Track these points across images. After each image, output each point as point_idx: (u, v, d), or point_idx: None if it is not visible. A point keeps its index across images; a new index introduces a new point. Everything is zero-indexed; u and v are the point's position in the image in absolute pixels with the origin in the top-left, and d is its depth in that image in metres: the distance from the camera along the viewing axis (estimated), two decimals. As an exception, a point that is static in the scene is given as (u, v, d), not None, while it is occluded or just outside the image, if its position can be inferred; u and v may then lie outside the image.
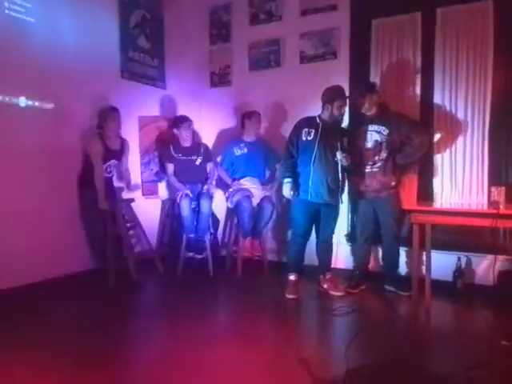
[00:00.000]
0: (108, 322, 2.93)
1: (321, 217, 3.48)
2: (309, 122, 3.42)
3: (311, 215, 3.45)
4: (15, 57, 3.32)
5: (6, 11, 3.30)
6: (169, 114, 4.70)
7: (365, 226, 3.54)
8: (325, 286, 3.54)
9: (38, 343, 2.55)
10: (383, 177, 3.37)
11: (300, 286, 3.50)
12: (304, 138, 3.35)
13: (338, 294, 3.43)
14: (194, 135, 4.33)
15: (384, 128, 3.36)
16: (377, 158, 3.39)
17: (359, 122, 3.56)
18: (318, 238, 3.59)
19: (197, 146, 4.21)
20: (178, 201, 3.92)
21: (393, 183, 3.39)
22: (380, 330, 2.82)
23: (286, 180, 3.37)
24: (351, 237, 3.93)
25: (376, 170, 3.39)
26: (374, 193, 3.41)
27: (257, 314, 3.13)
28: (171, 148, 4.11)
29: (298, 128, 3.43)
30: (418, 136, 3.30)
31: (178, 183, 4.06)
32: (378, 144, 3.37)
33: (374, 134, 3.40)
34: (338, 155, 3.27)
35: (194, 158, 4.11)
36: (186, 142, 4.12)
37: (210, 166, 4.21)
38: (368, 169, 3.42)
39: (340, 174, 3.35)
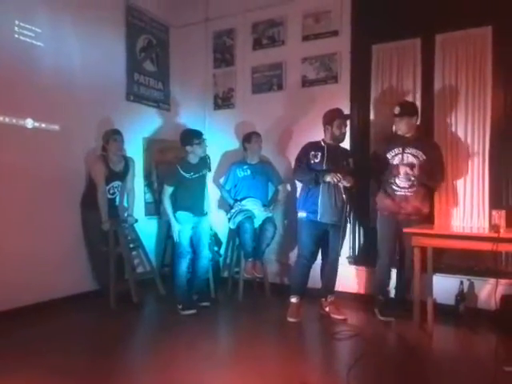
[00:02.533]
0: (107, 345, 2.90)
1: (328, 238, 3.45)
2: (314, 145, 3.49)
3: (318, 237, 3.44)
4: (24, 79, 3.42)
5: (16, 36, 3.40)
6: (173, 135, 4.76)
7: (390, 247, 3.43)
8: (327, 309, 3.50)
9: (35, 366, 2.53)
10: (417, 202, 3.30)
11: (302, 309, 3.46)
12: (312, 161, 3.41)
13: (340, 317, 3.40)
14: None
15: (422, 153, 3.31)
16: (411, 181, 3.32)
17: (390, 142, 3.45)
18: (323, 259, 3.56)
19: (204, 159, 3.76)
20: None
21: (426, 210, 3.34)
22: (382, 355, 2.79)
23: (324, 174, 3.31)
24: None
25: (410, 194, 3.30)
26: (405, 215, 3.31)
27: (258, 337, 3.10)
28: (178, 168, 3.62)
29: (305, 151, 3.49)
30: (438, 173, 3.35)
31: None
32: (413, 167, 3.32)
33: (411, 157, 3.33)
34: (341, 184, 3.30)
35: (203, 172, 3.74)
36: (195, 159, 3.69)
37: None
38: (402, 192, 3.33)
39: (344, 196, 3.36)
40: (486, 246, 2.62)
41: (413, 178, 3.31)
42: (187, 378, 2.39)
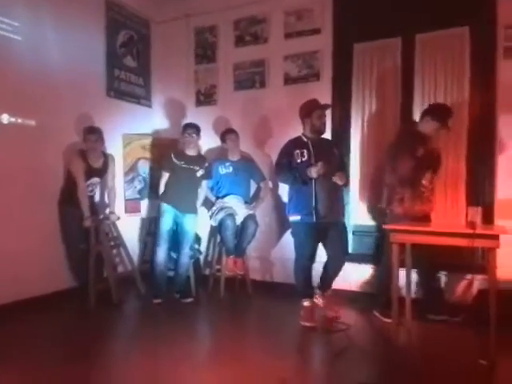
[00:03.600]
0: (85, 346, 2.84)
1: (329, 237, 3.28)
2: (296, 142, 3.34)
3: (317, 236, 3.28)
4: (0, 73, 3.33)
5: (-7, 29, 3.32)
6: (154, 131, 4.73)
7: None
8: (320, 303, 3.36)
9: (7, 367, 2.45)
10: (429, 203, 3.29)
11: (316, 312, 3.28)
12: (299, 161, 3.26)
13: (333, 314, 3.28)
14: (200, 148, 4.23)
15: (437, 156, 3.31)
16: (429, 182, 3.27)
17: (414, 141, 3.25)
18: (328, 256, 3.35)
19: (202, 158, 3.96)
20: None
21: (431, 211, 3.34)
22: (361, 351, 2.82)
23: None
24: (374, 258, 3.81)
25: (427, 194, 3.27)
26: (417, 216, 3.18)
27: (239, 333, 3.11)
28: (172, 155, 3.79)
29: (287, 152, 3.33)
30: None
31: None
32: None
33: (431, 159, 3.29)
34: (334, 178, 3.19)
35: (196, 168, 3.81)
36: (192, 151, 3.85)
37: (204, 184, 3.98)
38: (424, 193, 3.25)
39: (338, 190, 3.29)
40: (463, 242, 2.66)
41: (431, 181, 3.29)
42: (168, 378, 2.37)
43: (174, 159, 3.77)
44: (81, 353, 2.71)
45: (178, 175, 3.77)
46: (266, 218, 4.19)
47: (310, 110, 3.31)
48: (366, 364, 2.64)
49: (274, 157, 4.06)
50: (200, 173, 3.84)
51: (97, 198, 3.96)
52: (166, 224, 3.76)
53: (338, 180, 3.20)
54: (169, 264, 3.94)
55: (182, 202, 3.79)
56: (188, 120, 4.65)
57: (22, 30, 3.49)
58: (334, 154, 3.33)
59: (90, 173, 3.75)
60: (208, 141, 4.54)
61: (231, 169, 4.10)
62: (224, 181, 4.10)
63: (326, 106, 3.41)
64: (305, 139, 3.34)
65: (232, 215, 3.91)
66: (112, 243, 4.00)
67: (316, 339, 3.08)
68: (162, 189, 3.83)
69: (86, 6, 4.07)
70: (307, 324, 3.18)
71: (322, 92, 4.04)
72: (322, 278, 3.43)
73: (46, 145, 3.68)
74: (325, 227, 3.25)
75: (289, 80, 4.25)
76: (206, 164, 3.90)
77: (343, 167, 3.42)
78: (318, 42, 4.11)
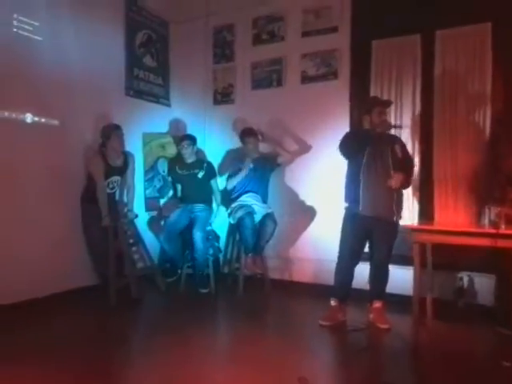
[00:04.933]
0: (106, 342, 2.87)
1: (375, 236, 3.13)
2: (355, 133, 3.29)
3: (362, 235, 3.13)
4: (23, 74, 3.38)
5: (15, 29, 3.38)
6: (173, 130, 4.77)
7: None
8: (370, 315, 3.22)
9: (32, 363, 2.47)
10: None
11: (341, 313, 3.20)
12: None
13: (383, 326, 3.09)
14: (199, 153, 4.40)
15: None
16: None
17: None
18: (371, 260, 3.23)
19: (200, 161, 4.28)
20: None
21: None
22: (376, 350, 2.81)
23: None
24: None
25: None
26: None
27: (258, 333, 3.11)
28: (176, 168, 4.25)
29: (348, 137, 3.23)
30: None
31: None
32: None
33: None
34: (388, 182, 3.00)
35: (196, 171, 4.17)
36: (189, 159, 4.21)
37: (214, 184, 4.27)
38: None
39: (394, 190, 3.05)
40: (486, 242, 2.63)
41: None
42: (187, 377, 2.38)
43: (178, 170, 4.22)
44: (101, 351, 2.72)
45: (184, 182, 4.26)
46: (285, 216, 4.19)
47: (370, 107, 3.17)
48: (390, 364, 2.63)
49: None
50: (201, 174, 4.16)
51: (117, 196, 4.01)
52: (172, 218, 4.07)
53: (392, 183, 2.99)
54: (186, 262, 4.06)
55: (191, 198, 4.18)
56: (207, 118, 4.70)
57: (42, 31, 3.54)
58: (393, 151, 3.11)
59: (111, 171, 3.80)
60: (226, 140, 4.57)
61: (250, 167, 4.10)
62: (245, 181, 4.12)
63: (387, 103, 3.28)
64: (363, 132, 3.18)
65: (251, 213, 3.92)
66: (131, 241, 4.05)
67: (335, 338, 3.08)
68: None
69: (106, 6, 4.12)
70: (324, 323, 3.15)
71: (340, 90, 4.03)
72: (369, 288, 3.30)
73: (67, 144, 3.73)
74: (371, 223, 3.07)
75: (306, 79, 4.24)
76: (205, 164, 4.22)
77: (405, 167, 3.14)
78: (335, 40, 4.09)
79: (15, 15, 3.37)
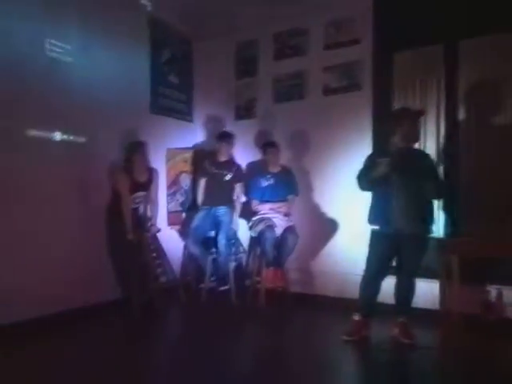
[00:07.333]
0: (128, 358, 2.88)
1: (403, 250, 3.06)
2: (381, 151, 3.18)
3: (390, 252, 3.08)
4: (53, 94, 3.52)
5: (48, 52, 3.54)
6: (195, 145, 4.86)
7: None
8: (395, 330, 3.13)
9: (57, 377, 2.52)
10: None
11: (364, 328, 3.14)
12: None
13: (406, 341, 3.01)
14: (232, 155, 4.46)
15: None
16: None
17: None
18: (398, 274, 3.17)
19: (231, 163, 4.34)
20: None
21: None
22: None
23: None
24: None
25: None
26: None
27: (279, 347, 3.08)
28: (206, 162, 4.31)
29: (370, 159, 3.15)
30: None
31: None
32: None
33: None
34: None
35: (224, 172, 4.22)
36: (223, 157, 4.27)
37: (239, 188, 4.29)
38: None
39: (420, 199, 2.98)
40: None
41: None
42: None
43: (207, 165, 4.27)
44: (126, 364, 2.75)
45: (210, 179, 4.28)
46: (306, 229, 4.16)
47: (401, 118, 3.09)
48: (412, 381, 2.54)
49: (310, 168, 4.17)
50: (228, 176, 4.21)
51: (141, 210, 4.08)
52: (196, 220, 4.12)
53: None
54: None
55: (214, 199, 4.21)
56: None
57: (73, 53, 3.68)
58: (421, 166, 3.02)
59: (136, 187, 3.88)
60: (247, 154, 4.61)
61: (272, 181, 4.13)
62: (265, 192, 4.14)
63: (419, 114, 3.19)
64: (392, 148, 3.10)
65: (271, 227, 3.92)
66: (154, 255, 4.10)
67: (358, 353, 3.01)
68: (200, 196, 4.31)
69: (132, 26, 4.25)
70: (347, 338, 3.09)
71: (363, 102, 4.01)
72: (395, 303, 3.22)
73: (94, 160, 3.85)
74: (401, 239, 3.00)
75: (328, 91, 4.24)
76: (235, 168, 4.26)
77: (434, 181, 3.04)
78: (357, 52, 4.08)
79: (48, 40, 3.53)
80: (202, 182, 4.32)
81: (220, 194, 4.21)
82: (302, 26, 4.37)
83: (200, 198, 4.33)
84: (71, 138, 3.68)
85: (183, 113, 4.88)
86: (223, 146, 4.23)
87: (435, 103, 3.73)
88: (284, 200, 4.12)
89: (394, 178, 2.95)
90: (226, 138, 4.26)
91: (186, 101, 4.91)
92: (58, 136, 3.59)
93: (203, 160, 4.40)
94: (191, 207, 4.55)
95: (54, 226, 3.50)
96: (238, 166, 4.36)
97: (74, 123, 3.68)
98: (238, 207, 4.28)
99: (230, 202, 4.23)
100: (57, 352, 2.92)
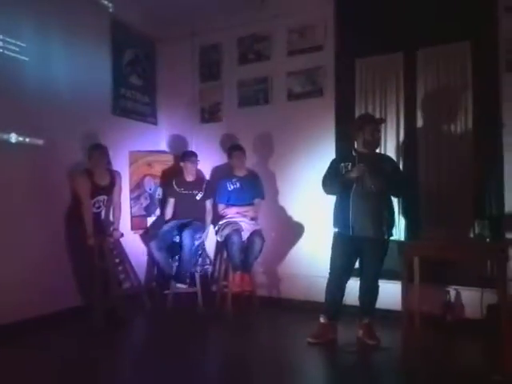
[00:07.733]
0: (91, 365, 2.81)
1: (364, 254, 3.14)
2: (344, 157, 3.27)
3: (352, 253, 3.14)
4: (7, 94, 3.37)
5: (1, 50, 3.38)
6: (159, 149, 4.77)
7: None
8: (360, 332, 3.19)
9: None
10: None
11: (330, 331, 3.17)
12: (343, 173, 3.12)
13: (371, 342, 3.09)
14: (199, 172, 4.42)
15: None
16: None
17: None
18: (361, 277, 3.22)
19: (200, 180, 4.30)
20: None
21: None
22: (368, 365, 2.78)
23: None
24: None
25: None
26: None
27: (245, 351, 3.07)
28: (174, 182, 4.25)
29: (333, 165, 3.24)
30: None
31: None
32: None
33: None
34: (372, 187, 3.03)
35: (195, 192, 4.18)
36: (190, 176, 4.23)
37: (209, 203, 4.25)
38: None
39: (382, 204, 3.08)
40: (472, 256, 2.65)
41: None
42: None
43: (175, 186, 4.21)
44: (89, 375, 2.66)
45: (180, 200, 4.22)
46: (272, 233, 4.18)
47: (362, 124, 3.17)
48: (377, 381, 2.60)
49: (277, 172, 4.21)
50: (199, 196, 4.19)
51: (103, 215, 3.97)
52: (168, 226, 4.05)
53: (370, 183, 3.01)
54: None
55: (184, 216, 4.14)
56: (194, 137, 4.71)
57: (29, 51, 3.54)
58: (384, 170, 3.11)
59: (97, 190, 3.76)
60: (213, 158, 4.58)
61: (238, 184, 4.13)
62: (232, 196, 4.14)
63: (380, 121, 3.31)
64: (354, 153, 3.19)
65: (238, 231, 3.91)
66: (117, 260, 3.99)
67: (322, 356, 3.04)
68: (168, 215, 4.26)
69: (93, 26, 4.14)
70: (312, 341, 3.11)
71: (326, 108, 4.08)
72: (359, 305, 3.27)
73: (52, 163, 3.70)
74: (362, 242, 3.08)
75: (292, 96, 4.29)
76: (204, 185, 4.23)
77: (400, 182, 3.18)
78: (320, 59, 4.15)
79: (1, 36, 3.37)
80: (171, 201, 4.26)
81: (191, 212, 4.15)
82: (266, 31, 4.40)
83: (168, 215, 4.26)
84: (27, 140, 3.53)
85: (146, 115, 4.78)
86: (188, 166, 4.18)
87: (395, 109, 3.85)
88: (250, 204, 4.12)
89: (354, 187, 3.03)
90: (190, 156, 4.21)
91: (149, 103, 4.82)
92: (13, 138, 3.43)
93: (170, 179, 4.33)
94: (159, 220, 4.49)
95: (9, 230, 3.33)
96: (207, 182, 4.33)
97: (30, 125, 3.53)
98: (209, 220, 4.26)
99: (200, 220, 4.16)
100: (13, 363, 2.79)
